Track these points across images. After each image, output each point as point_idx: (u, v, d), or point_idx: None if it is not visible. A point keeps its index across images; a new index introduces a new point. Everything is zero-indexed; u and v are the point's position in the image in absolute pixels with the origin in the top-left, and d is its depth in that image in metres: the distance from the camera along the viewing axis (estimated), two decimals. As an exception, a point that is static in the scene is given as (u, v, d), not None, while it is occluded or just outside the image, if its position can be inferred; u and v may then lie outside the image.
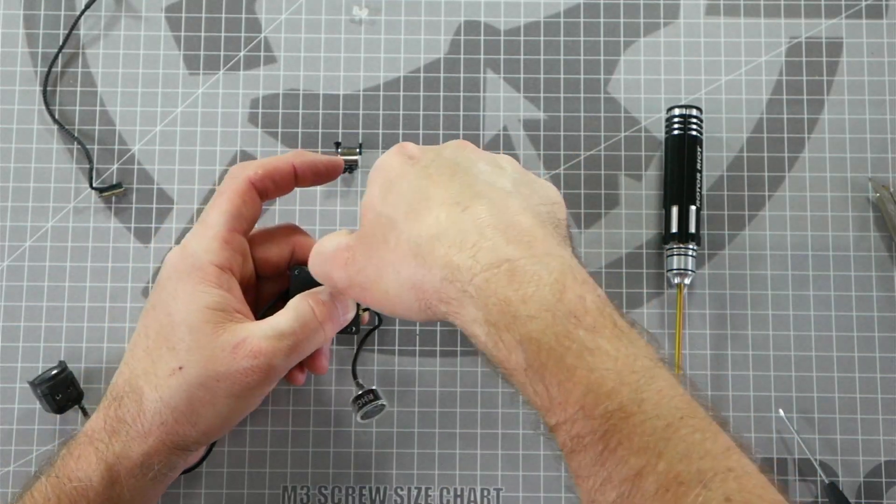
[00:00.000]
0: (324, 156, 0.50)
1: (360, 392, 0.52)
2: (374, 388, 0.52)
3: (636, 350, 0.36)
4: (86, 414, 0.54)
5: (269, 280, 0.50)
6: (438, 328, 0.55)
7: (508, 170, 0.43)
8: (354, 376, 0.53)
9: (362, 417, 0.52)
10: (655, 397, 0.35)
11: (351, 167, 0.57)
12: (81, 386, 0.54)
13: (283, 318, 0.46)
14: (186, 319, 0.45)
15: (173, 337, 0.45)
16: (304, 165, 0.49)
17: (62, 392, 0.53)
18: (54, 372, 0.53)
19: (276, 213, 0.57)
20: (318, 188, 0.57)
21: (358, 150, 0.57)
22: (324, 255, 0.45)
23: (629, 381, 0.35)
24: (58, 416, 0.54)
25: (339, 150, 0.56)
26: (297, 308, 0.46)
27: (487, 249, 0.38)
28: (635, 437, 0.34)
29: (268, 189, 0.48)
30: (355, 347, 0.54)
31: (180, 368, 0.44)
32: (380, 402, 0.52)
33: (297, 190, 0.57)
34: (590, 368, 0.35)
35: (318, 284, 0.47)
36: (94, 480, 0.44)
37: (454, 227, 0.39)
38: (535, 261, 0.37)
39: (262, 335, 0.45)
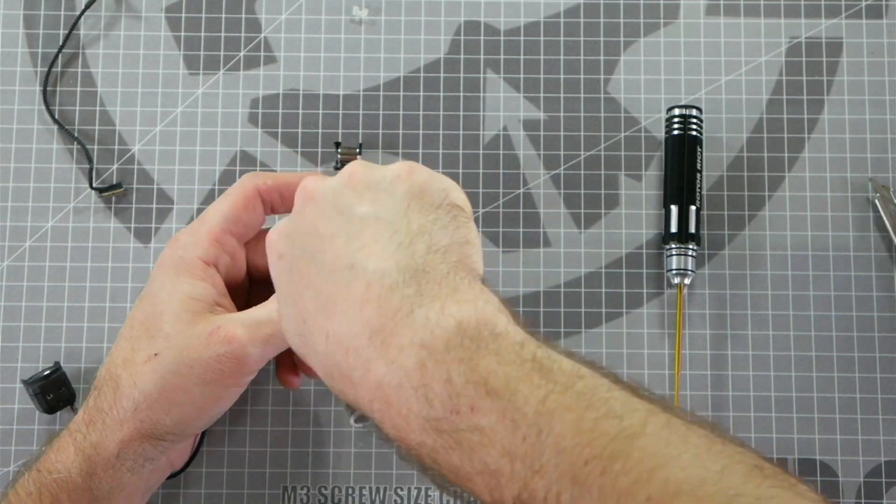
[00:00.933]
0: None
1: None
2: None
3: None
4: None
5: (264, 286, 0.50)
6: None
7: (387, 211, 0.37)
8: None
9: (356, 421, 0.52)
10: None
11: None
12: (76, 386, 0.54)
13: (262, 308, 0.46)
14: (167, 309, 0.45)
15: (153, 326, 0.45)
16: None
17: (53, 392, 0.53)
18: (47, 372, 0.53)
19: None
20: (318, 188, 0.57)
21: (358, 150, 0.57)
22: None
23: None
24: (55, 415, 0.54)
25: (339, 150, 0.56)
26: (271, 301, 0.46)
27: (360, 375, 0.35)
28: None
29: (275, 202, 0.48)
30: None
31: (156, 355, 0.44)
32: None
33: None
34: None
35: None
36: (72, 472, 0.44)
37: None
38: (393, 375, 0.34)
39: (237, 322, 0.45)
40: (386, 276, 0.34)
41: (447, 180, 0.39)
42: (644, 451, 0.30)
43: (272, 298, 0.46)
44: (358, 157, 0.57)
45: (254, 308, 0.46)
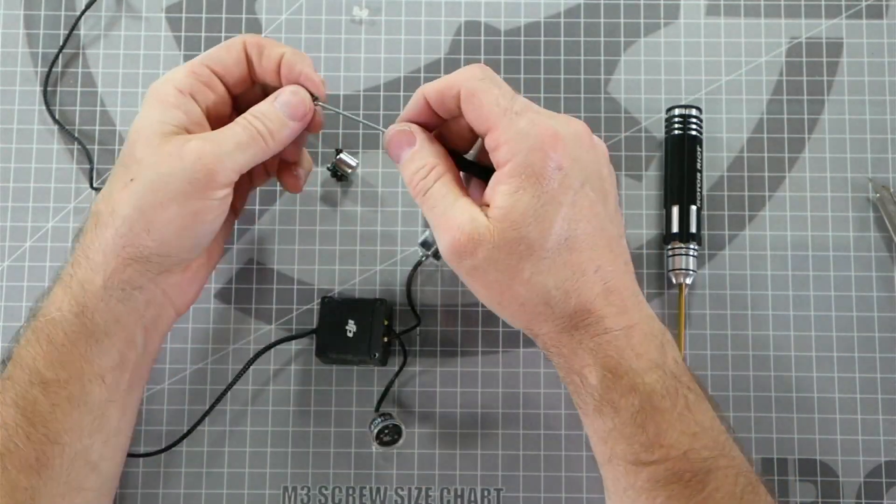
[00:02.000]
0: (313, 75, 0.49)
1: (379, 420, 0.53)
2: (389, 412, 0.53)
3: (712, 412, 0.44)
4: None
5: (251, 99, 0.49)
6: (438, 329, 0.55)
7: (607, 182, 0.45)
8: (377, 409, 0.54)
9: (381, 444, 0.52)
10: (738, 457, 0.44)
11: (342, 175, 0.57)
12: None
13: (229, 131, 0.46)
14: (140, 137, 0.45)
15: (128, 157, 0.45)
16: (297, 72, 0.48)
17: None
18: None
19: (277, 214, 0.57)
20: (318, 190, 0.57)
21: (338, 151, 0.57)
22: (443, 218, 0.43)
23: (720, 441, 0.43)
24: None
25: (339, 156, 0.56)
26: (239, 123, 0.46)
27: (613, 316, 0.43)
28: (726, 485, 0.42)
29: (253, 58, 0.48)
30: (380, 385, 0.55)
31: (132, 180, 0.45)
32: (394, 422, 0.52)
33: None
34: (695, 423, 0.42)
35: (345, 319, 0.53)
36: (64, 311, 0.45)
37: (585, 287, 0.42)
38: (644, 325, 0.43)
39: (207, 141, 0.45)
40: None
41: None
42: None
43: (244, 116, 0.46)
44: (356, 163, 0.57)
45: (226, 126, 0.46)
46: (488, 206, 0.42)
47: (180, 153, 0.44)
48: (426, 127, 0.46)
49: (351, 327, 0.52)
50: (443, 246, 0.43)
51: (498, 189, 0.42)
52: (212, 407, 0.53)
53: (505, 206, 0.41)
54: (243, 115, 0.47)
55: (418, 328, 0.55)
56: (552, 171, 0.41)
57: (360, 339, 0.52)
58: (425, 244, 0.54)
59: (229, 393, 0.54)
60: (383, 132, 0.47)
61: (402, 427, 0.52)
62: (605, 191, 0.44)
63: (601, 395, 0.42)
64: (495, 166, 0.42)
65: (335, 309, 0.53)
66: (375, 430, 0.52)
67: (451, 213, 0.43)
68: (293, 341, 0.55)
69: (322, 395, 0.55)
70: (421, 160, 0.45)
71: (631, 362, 0.42)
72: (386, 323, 0.53)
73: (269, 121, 0.46)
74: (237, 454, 0.54)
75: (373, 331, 0.52)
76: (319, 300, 0.53)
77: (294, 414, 0.55)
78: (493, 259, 0.42)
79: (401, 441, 0.52)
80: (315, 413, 0.55)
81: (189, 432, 0.53)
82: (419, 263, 0.54)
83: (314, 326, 0.54)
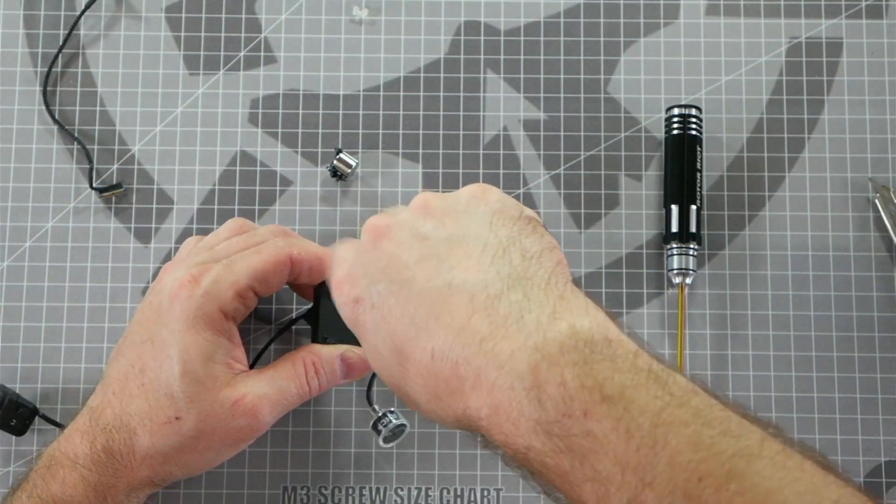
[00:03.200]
0: None
1: (379, 415, 0.52)
2: (392, 409, 0.52)
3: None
4: (54, 424, 0.54)
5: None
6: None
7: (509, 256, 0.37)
8: (370, 402, 0.53)
9: (384, 441, 0.52)
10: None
11: (342, 175, 0.56)
12: (41, 385, 0.54)
13: (284, 381, 0.47)
14: (189, 370, 0.45)
15: (174, 385, 0.44)
16: None
17: (14, 416, 0.53)
18: None
19: (277, 214, 0.57)
20: (318, 190, 0.57)
21: (338, 151, 0.57)
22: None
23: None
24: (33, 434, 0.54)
25: (339, 156, 0.56)
26: (295, 369, 0.48)
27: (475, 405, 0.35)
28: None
29: (301, 272, 0.49)
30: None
31: (177, 418, 0.44)
32: (399, 422, 0.51)
33: (297, 190, 0.57)
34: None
35: None
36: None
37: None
38: (503, 380, 0.33)
39: (260, 393, 0.46)
40: (490, 286, 0.35)
41: (513, 199, 0.40)
42: (760, 474, 0.30)
43: (288, 362, 0.48)
44: (356, 162, 0.57)
45: (272, 374, 0.47)
46: None
47: (233, 410, 0.45)
48: None
49: None
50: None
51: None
52: None
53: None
54: (301, 357, 0.48)
55: None
56: (352, 310, 0.40)
57: None
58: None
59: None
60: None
61: (406, 425, 0.52)
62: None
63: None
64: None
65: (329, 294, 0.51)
66: (384, 430, 0.51)
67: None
68: (291, 328, 0.54)
69: (322, 394, 0.55)
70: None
71: (516, 440, 0.33)
72: None
73: (326, 378, 0.49)
74: (237, 454, 0.54)
75: None
76: (315, 287, 0.51)
77: (294, 414, 0.55)
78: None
79: (401, 438, 0.52)
80: (314, 413, 0.55)
81: None
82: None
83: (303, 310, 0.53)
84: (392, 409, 0.52)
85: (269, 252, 0.48)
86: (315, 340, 0.51)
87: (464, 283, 0.35)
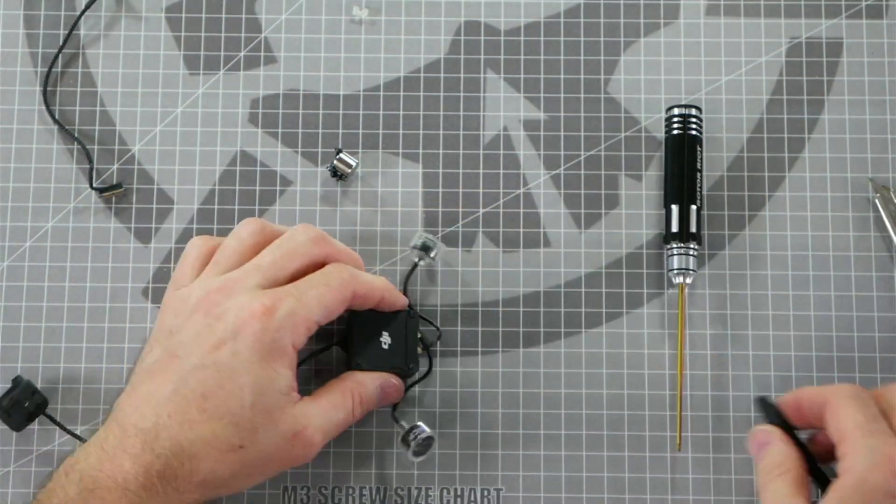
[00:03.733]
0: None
1: (406, 430, 0.52)
2: (418, 423, 0.53)
3: None
4: (57, 424, 0.54)
5: None
6: (438, 330, 0.55)
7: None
8: (396, 420, 0.53)
9: (414, 455, 0.52)
10: None
11: (342, 175, 0.56)
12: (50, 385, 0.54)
13: (335, 412, 0.48)
14: (260, 402, 0.45)
15: (240, 414, 0.44)
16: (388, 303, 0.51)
17: (28, 401, 0.53)
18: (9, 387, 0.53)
19: (277, 214, 0.57)
20: (318, 190, 0.57)
21: (344, 152, 0.57)
22: None
23: None
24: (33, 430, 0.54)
25: (339, 156, 0.56)
26: (344, 400, 0.49)
27: None
28: None
29: (357, 304, 0.50)
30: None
31: (241, 447, 0.44)
32: (427, 434, 0.52)
33: (297, 190, 0.57)
34: None
35: (378, 331, 0.52)
36: None
37: None
38: None
39: (317, 427, 0.47)
40: None
41: None
42: None
43: (338, 392, 0.49)
44: (356, 162, 0.57)
45: (327, 406, 0.48)
46: None
47: (292, 442, 0.46)
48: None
49: (385, 339, 0.52)
50: None
51: (828, 497, 0.42)
52: None
53: None
54: (349, 389, 0.49)
55: (439, 337, 0.55)
56: (886, 497, 0.40)
57: (397, 352, 0.52)
58: (414, 246, 0.54)
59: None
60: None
61: (434, 438, 0.53)
62: None
63: None
64: (838, 474, 0.42)
65: (366, 321, 0.52)
66: (413, 442, 0.52)
67: None
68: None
69: (322, 395, 0.55)
70: (772, 458, 0.46)
71: None
72: (419, 335, 0.53)
73: (368, 404, 0.50)
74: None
75: (408, 342, 0.52)
76: (348, 313, 0.52)
77: (294, 414, 0.55)
78: None
79: (429, 440, 0.52)
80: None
81: None
82: (415, 266, 0.54)
83: (337, 339, 0.54)
84: (418, 423, 0.52)
85: (339, 287, 0.48)
86: (350, 366, 0.52)
87: None
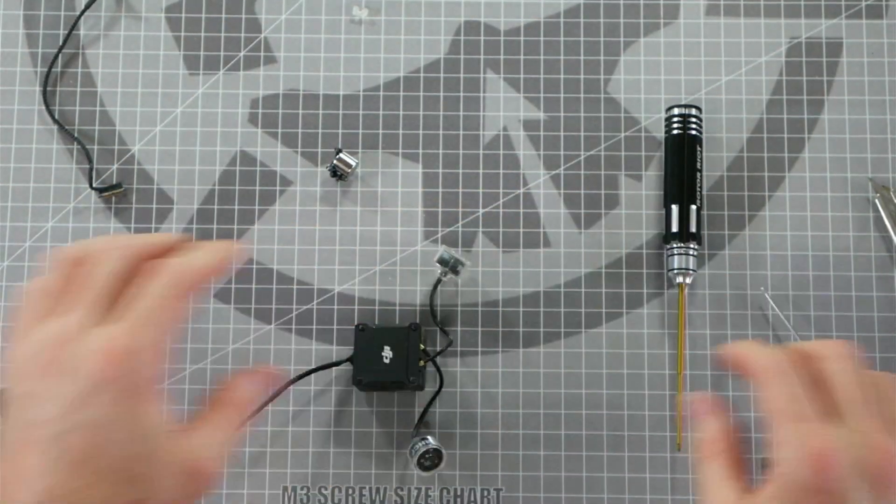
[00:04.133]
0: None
1: (412, 443, 0.53)
2: (426, 437, 0.53)
3: None
4: None
5: None
6: (437, 329, 0.55)
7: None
8: (417, 430, 0.54)
9: (423, 470, 0.52)
10: None
11: (342, 175, 0.57)
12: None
13: (220, 431, 0.46)
14: (142, 450, 0.42)
15: (129, 468, 0.42)
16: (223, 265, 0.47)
17: None
18: None
19: (277, 214, 0.57)
20: (318, 190, 0.57)
21: (355, 166, 0.57)
22: (707, 488, 0.43)
23: None
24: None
25: (339, 156, 0.56)
26: (223, 417, 0.47)
27: None
28: None
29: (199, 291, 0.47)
30: (419, 409, 0.55)
31: (139, 501, 0.42)
32: (432, 446, 0.52)
33: (297, 191, 0.57)
34: None
35: (381, 346, 0.52)
36: None
37: None
38: None
39: (209, 455, 0.45)
40: None
41: None
42: None
43: (211, 412, 0.47)
44: (356, 161, 0.57)
45: (204, 429, 0.46)
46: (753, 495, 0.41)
47: (190, 478, 0.44)
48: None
49: (387, 353, 0.52)
50: None
51: (761, 489, 0.41)
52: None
53: None
54: (222, 404, 0.47)
55: (450, 347, 0.55)
56: (814, 493, 0.39)
57: (398, 365, 0.52)
58: (442, 261, 0.54)
59: (229, 393, 0.54)
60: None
61: (443, 451, 0.53)
62: None
63: None
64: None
65: (369, 337, 0.53)
66: (416, 456, 0.52)
67: (711, 490, 0.43)
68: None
69: (322, 394, 0.55)
70: (709, 433, 0.45)
71: None
72: (422, 347, 0.53)
73: (247, 406, 0.47)
74: (237, 454, 0.54)
75: (409, 356, 0.53)
76: (355, 327, 0.53)
77: (294, 414, 0.55)
78: None
79: (441, 465, 0.52)
80: (314, 413, 0.55)
81: None
82: (438, 282, 0.54)
83: (348, 356, 0.54)
84: (426, 436, 0.52)
85: (171, 296, 0.44)
86: (353, 382, 0.53)
87: None
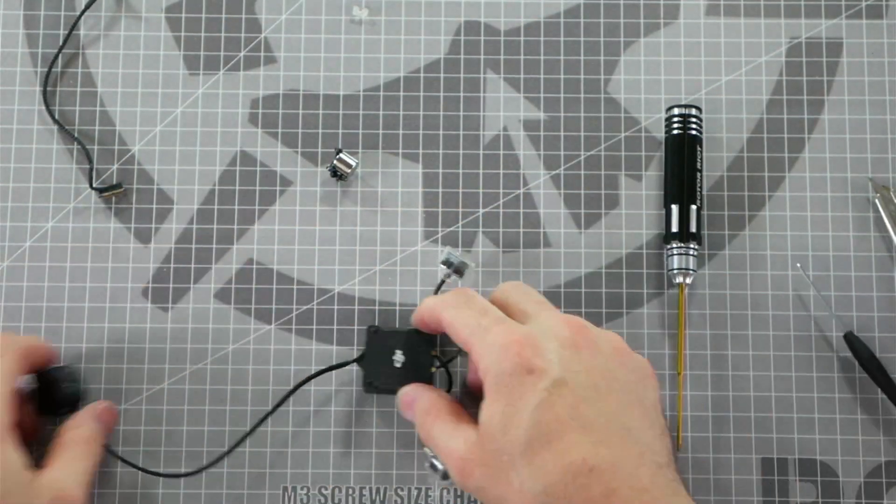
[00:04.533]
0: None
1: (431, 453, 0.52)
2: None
3: None
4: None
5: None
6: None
7: (622, 378, 0.43)
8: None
9: (444, 478, 0.52)
10: None
11: (342, 175, 0.56)
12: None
13: (76, 461, 0.49)
14: (11, 485, 0.45)
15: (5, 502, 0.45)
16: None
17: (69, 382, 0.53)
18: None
19: (277, 214, 0.57)
20: (318, 190, 0.57)
21: (342, 154, 0.57)
22: (442, 449, 0.45)
23: None
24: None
25: (339, 156, 0.56)
26: (74, 450, 0.50)
27: None
28: None
29: (31, 365, 0.51)
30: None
31: None
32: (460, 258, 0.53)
33: (297, 191, 0.57)
34: None
35: (392, 349, 0.52)
36: None
37: (579, 492, 0.39)
38: None
39: (71, 483, 0.48)
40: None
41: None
42: None
43: (72, 443, 0.50)
44: (356, 162, 0.57)
45: (58, 463, 0.49)
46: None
47: None
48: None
49: (398, 357, 0.52)
50: (451, 475, 0.44)
51: (482, 406, 0.42)
52: (253, 429, 0.53)
53: (483, 420, 0.42)
54: (70, 438, 0.50)
55: (459, 356, 0.55)
56: (521, 376, 0.41)
57: (409, 370, 0.52)
58: (447, 263, 0.54)
59: (228, 393, 0.54)
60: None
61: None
62: (597, 386, 0.42)
63: None
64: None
65: (381, 339, 0.53)
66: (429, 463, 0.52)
67: (448, 444, 0.44)
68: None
69: (322, 394, 0.55)
70: (421, 407, 0.47)
71: None
72: (434, 353, 0.53)
73: (97, 439, 0.51)
74: (236, 454, 0.54)
75: (420, 361, 0.52)
76: (367, 329, 0.53)
77: (294, 414, 0.55)
78: (488, 475, 0.42)
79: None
80: (314, 413, 0.55)
81: (226, 454, 0.54)
82: (442, 283, 0.54)
83: (356, 356, 0.54)
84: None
85: (3, 351, 0.49)
86: (363, 385, 0.53)
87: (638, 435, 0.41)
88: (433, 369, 0.53)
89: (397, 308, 0.56)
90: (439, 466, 0.47)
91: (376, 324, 0.54)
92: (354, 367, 0.55)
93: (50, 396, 0.53)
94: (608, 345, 0.44)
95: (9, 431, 0.47)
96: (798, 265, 0.55)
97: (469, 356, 0.45)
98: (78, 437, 0.51)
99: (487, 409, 0.42)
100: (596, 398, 0.41)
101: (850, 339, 0.54)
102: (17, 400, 0.49)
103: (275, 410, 0.53)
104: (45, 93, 0.58)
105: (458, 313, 0.46)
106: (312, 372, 0.54)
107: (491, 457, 0.41)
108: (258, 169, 0.57)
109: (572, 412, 0.40)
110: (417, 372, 0.52)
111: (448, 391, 0.54)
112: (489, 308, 0.46)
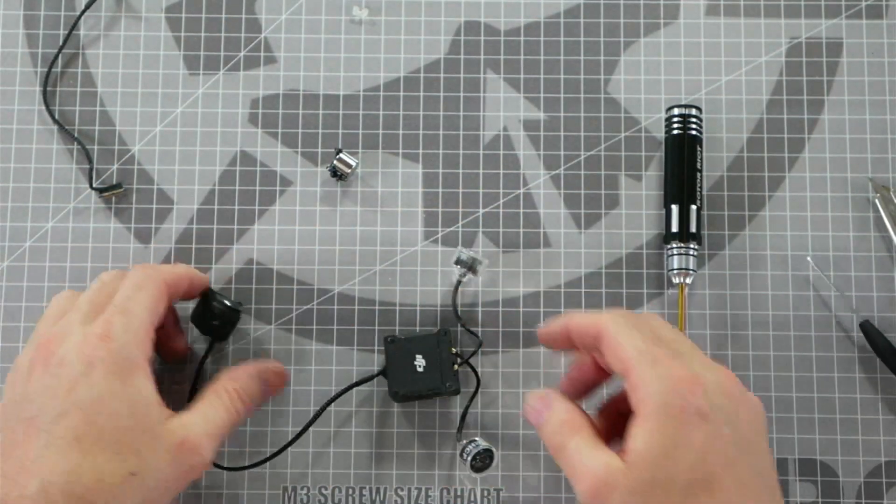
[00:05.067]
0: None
1: (464, 444, 0.52)
2: (475, 438, 0.53)
3: None
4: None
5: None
6: (437, 330, 0.55)
7: (766, 437, 0.44)
8: (460, 433, 0.54)
9: (474, 471, 0.52)
10: None
11: (342, 175, 0.57)
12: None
13: (215, 412, 0.48)
14: (132, 423, 0.44)
15: (119, 441, 0.43)
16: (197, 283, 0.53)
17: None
18: None
19: (277, 214, 0.57)
20: (318, 190, 0.57)
21: (338, 151, 0.57)
22: (577, 465, 0.43)
23: None
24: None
25: (339, 156, 0.56)
26: (221, 400, 0.49)
27: None
28: None
29: (177, 293, 0.51)
30: (460, 410, 0.54)
31: (132, 474, 0.43)
32: (482, 447, 0.52)
33: (297, 191, 0.57)
34: None
35: (412, 355, 0.52)
36: None
37: None
38: None
39: (201, 432, 0.46)
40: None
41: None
42: None
43: (213, 395, 0.49)
44: (356, 162, 0.57)
45: (205, 409, 0.48)
46: (626, 452, 0.42)
47: (180, 453, 0.45)
48: (565, 348, 0.48)
49: (420, 362, 0.52)
50: (579, 493, 0.42)
51: (633, 433, 0.41)
52: (281, 449, 0.54)
53: (638, 449, 0.41)
54: (223, 387, 0.49)
55: (481, 349, 0.55)
56: (689, 416, 0.41)
57: (432, 373, 0.52)
58: (460, 262, 0.54)
59: (229, 393, 0.54)
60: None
61: (494, 450, 0.52)
62: (751, 442, 0.42)
63: None
64: (633, 410, 0.42)
65: (400, 347, 0.53)
66: (469, 458, 0.52)
67: (586, 463, 0.42)
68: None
69: (322, 394, 0.55)
70: (559, 417, 0.45)
71: None
72: (453, 351, 0.53)
73: (249, 401, 0.50)
74: (236, 454, 0.54)
75: (442, 362, 0.52)
76: (384, 340, 0.53)
77: (293, 413, 0.55)
78: (629, 503, 0.41)
79: (492, 465, 0.52)
80: (314, 413, 0.55)
81: (253, 465, 0.53)
82: (458, 284, 0.54)
83: (379, 368, 0.54)
84: (475, 437, 0.52)
85: (148, 284, 0.48)
86: (389, 395, 0.53)
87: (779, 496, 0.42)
88: (455, 367, 0.53)
89: (397, 308, 0.56)
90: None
91: (391, 334, 0.54)
92: (355, 372, 0.55)
93: (209, 312, 0.53)
94: (757, 405, 0.44)
95: (147, 365, 0.46)
96: (809, 258, 0.55)
97: (625, 378, 0.43)
98: (231, 388, 0.49)
99: (647, 438, 0.41)
100: (749, 454, 0.42)
101: (866, 328, 0.54)
102: (158, 334, 0.48)
103: (305, 430, 0.52)
104: (45, 93, 0.58)
105: (630, 333, 0.44)
106: (334, 392, 0.53)
107: (640, 486, 0.40)
108: (258, 169, 0.57)
109: (730, 465, 0.41)
110: (442, 373, 0.52)
111: (476, 386, 0.54)
112: (663, 338, 0.45)
